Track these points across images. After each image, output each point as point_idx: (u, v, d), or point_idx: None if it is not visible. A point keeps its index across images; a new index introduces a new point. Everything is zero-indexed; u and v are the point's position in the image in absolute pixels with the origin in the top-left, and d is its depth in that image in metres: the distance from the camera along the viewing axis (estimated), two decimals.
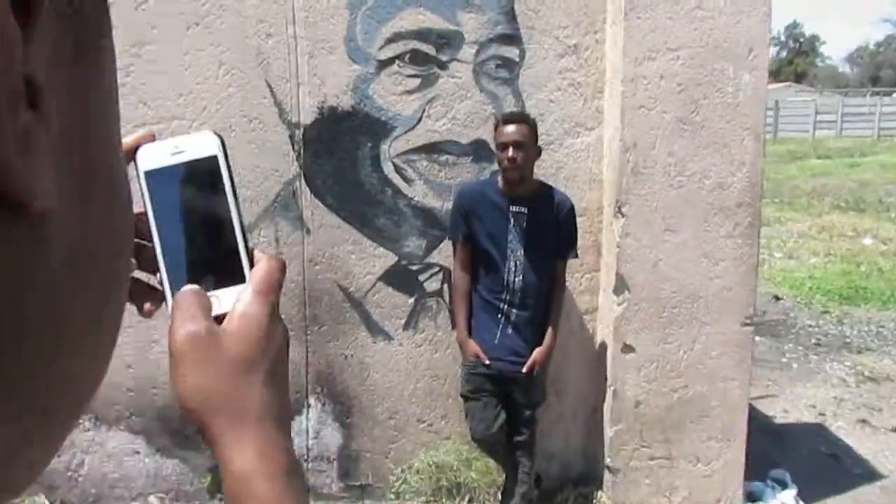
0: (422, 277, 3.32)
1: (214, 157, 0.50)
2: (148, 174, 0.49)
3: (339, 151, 3.20)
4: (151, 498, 3.34)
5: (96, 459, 3.29)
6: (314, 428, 3.34)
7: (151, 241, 0.50)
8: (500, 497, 3.24)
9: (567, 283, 3.25)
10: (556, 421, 3.46)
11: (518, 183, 2.93)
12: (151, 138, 0.50)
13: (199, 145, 0.50)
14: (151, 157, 0.50)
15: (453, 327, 3.25)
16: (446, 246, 3.22)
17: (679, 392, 3.28)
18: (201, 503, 3.35)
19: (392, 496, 3.39)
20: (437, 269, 3.31)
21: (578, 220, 3.15)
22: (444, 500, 3.33)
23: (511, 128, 2.89)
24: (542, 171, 3.20)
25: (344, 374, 3.33)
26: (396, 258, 3.28)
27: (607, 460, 3.34)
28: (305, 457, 3.34)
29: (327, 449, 3.37)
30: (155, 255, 0.50)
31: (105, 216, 0.27)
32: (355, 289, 3.28)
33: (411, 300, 3.31)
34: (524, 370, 2.99)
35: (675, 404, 3.28)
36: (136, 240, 0.43)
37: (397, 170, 3.24)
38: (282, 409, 0.48)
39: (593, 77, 3.29)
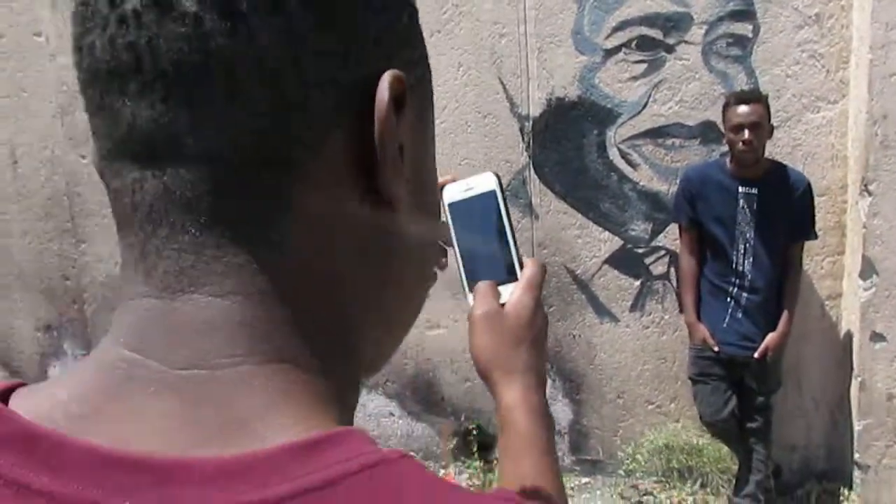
0: (647, 261, 3.36)
1: (494, 192, 0.70)
2: (450, 205, 0.71)
3: (565, 140, 3.35)
4: None
5: (359, 418, 3.80)
6: None
7: (453, 249, 0.72)
8: (733, 484, 3.18)
9: (806, 267, 3.09)
10: (795, 412, 3.31)
11: (740, 166, 2.85)
12: (453, 179, 0.72)
13: (483, 183, 0.69)
14: (452, 193, 0.70)
15: (680, 310, 3.25)
16: (672, 229, 3.23)
17: None
18: (447, 464, 3.71)
19: (622, 473, 3.48)
20: (663, 252, 3.33)
21: (819, 199, 2.98)
22: (675, 481, 3.35)
23: (745, 108, 2.80)
24: (778, 149, 3.08)
25: (573, 353, 3.48)
26: (622, 242, 3.36)
27: (856, 456, 3.12)
28: None
29: (558, 423, 3.55)
30: (455, 259, 0.72)
31: (426, 216, 0.44)
32: (582, 271, 3.42)
33: (637, 283, 3.37)
34: (756, 355, 2.92)
35: None
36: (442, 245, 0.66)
37: (622, 155, 3.31)
38: (540, 369, 0.68)
39: (837, 47, 3.08)
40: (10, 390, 0.37)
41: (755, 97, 2.86)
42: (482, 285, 0.68)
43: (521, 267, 0.69)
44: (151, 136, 0.35)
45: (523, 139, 3.40)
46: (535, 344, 0.67)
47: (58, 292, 4.09)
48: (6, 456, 0.33)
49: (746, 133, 2.78)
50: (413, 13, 0.41)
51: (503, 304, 0.68)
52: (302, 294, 0.37)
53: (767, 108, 2.84)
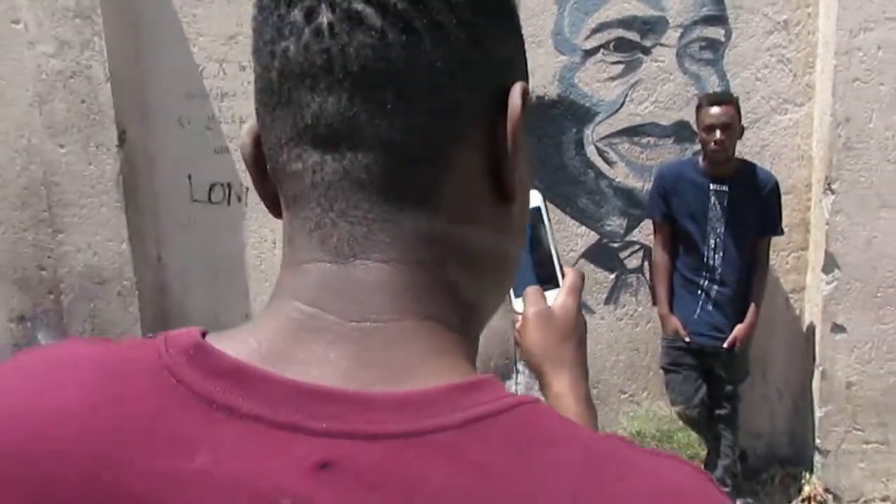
0: (622, 255, 3.48)
1: (538, 207, 0.78)
2: None
3: (544, 137, 3.45)
4: None
5: None
6: (521, 391, 3.64)
7: None
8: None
9: (772, 262, 3.25)
10: (761, 400, 3.47)
11: (711, 164, 2.99)
12: None
13: (531, 200, 0.75)
14: None
15: (653, 303, 3.38)
16: (647, 225, 3.36)
17: None
18: None
19: None
20: (637, 247, 3.46)
21: (785, 197, 3.13)
22: None
23: (717, 109, 2.94)
24: (747, 149, 3.22)
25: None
26: (598, 237, 3.47)
27: (817, 441, 3.29)
28: None
29: None
30: None
31: (527, 206, 0.52)
32: None
33: (612, 276, 3.49)
34: (725, 345, 3.06)
35: (893, 387, 3.15)
36: None
37: (600, 153, 3.42)
38: (583, 364, 0.78)
39: (804, 52, 3.24)
40: (202, 334, 0.43)
41: (727, 99, 3.00)
42: (531, 289, 0.78)
43: (563, 275, 0.79)
44: (335, 125, 0.42)
45: None
46: (580, 342, 0.78)
47: (33, 283, 4.06)
48: (219, 384, 0.40)
49: (718, 133, 2.92)
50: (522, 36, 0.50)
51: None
52: (447, 263, 0.45)
53: (738, 109, 2.98)
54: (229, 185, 3.70)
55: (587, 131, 3.42)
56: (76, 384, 0.41)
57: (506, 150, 0.44)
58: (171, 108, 3.66)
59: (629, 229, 3.45)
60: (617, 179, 3.43)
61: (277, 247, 3.70)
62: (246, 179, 3.65)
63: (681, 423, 3.34)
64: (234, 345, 0.42)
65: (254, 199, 3.67)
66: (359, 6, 0.40)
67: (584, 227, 3.48)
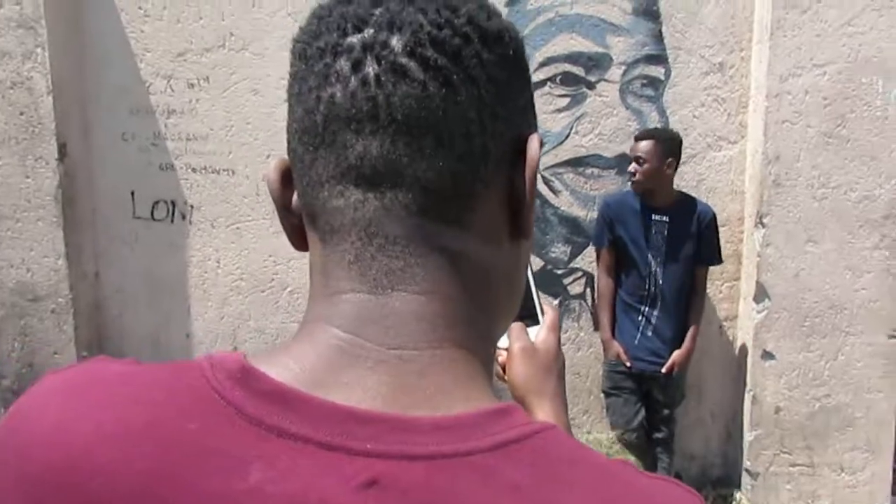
0: (566, 281, 3.58)
1: None
2: None
3: None
4: None
5: None
6: None
7: None
8: None
9: (708, 291, 3.40)
10: (695, 424, 3.60)
11: (645, 194, 3.12)
12: None
13: None
14: None
15: (595, 328, 3.48)
16: (589, 252, 3.47)
17: (822, 401, 3.33)
18: None
19: None
20: (580, 273, 3.56)
21: (720, 229, 3.29)
22: None
23: (637, 144, 3.12)
24: (685, 182, 3.38)
25: (494, 367, 3.63)
26: (543, 263, 3.56)
27: (746, 464, 3.43)
28: None
29: None
30: None
31: (531, 247, 0.57)
32: None
33: (556, 302, 3.58)
34: (663, 370, 3.18)
35: (818, 413, 3.33)
36: None
37: (545, 182, 3.53)
38: (563, 396, 0.83)
39: (738, 93, 3.43)
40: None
41: (648, 135, 3.15)
42: (516, 325, 0.83)
43: (542, 311, 0.84)
44: (378, 166, 0.45)
45: None
46: (560, 375, 0.83)
47: None
48: (266, 406, 0.42)
49: (632, 165, 3.09)
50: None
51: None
52: (473, 295, 0.49)
53: (666, 145, 3.10)
54: (173, 203, 3.64)
55: None
56: (117, 404, 0.43)
57: (523, 193, 0.49)
58: (115, 123, 3.59)
59: (573, 256, 3.56)
60: (562, 208, 3.54)
61: (221, 266, 3.65)
62: (192, 198, 3.61)
63: (620, 446, 3.43)
64: (278, 370, 0.44)
65: (199, 217, 3.62)
66: (403, 60, 0.44)
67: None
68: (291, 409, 0.42)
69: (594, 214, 3.40)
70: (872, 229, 3.21)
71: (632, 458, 3.44)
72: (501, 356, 0.84)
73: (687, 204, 3.20)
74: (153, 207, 3.65)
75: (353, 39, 0.45)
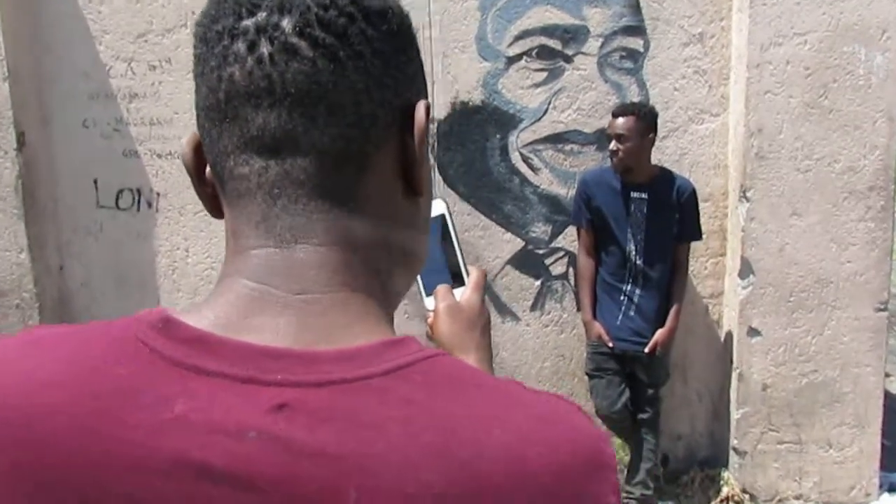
0: (548, 261, 3.49)
1: (442, 215, 0.91)
2: None
3: (469, 143, 3.43)
4: None
5: None
6: None
7: None
8: (625, 473, 3.36)
9: (691, 268, 3.33)
10: (681, 403, 3.54)
11: (625, 172, 3.03)
12: None
13: (435, 209, 0.87)
14: None
15: (578, 309, 3.40)
16: (571, 231, 3.38)
17: (808, 376, 3.27)
18: None
19: None
20: (562, 253, 3.48)
21: (703, 205, 3.21)
22: None
23: (616, 121, 3.02)
24: (666, 157, 3.29)
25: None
26: (523, 243, 3.47)
27: (733, 442, 3.38)
28: None
29: None
30: None
31: (430, 200, 0.62)
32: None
33: (538, 283, 3.50)
34: (646, 350, 3.11)
35: (805, 389, 3.27)
36: None
37: (524, 159, 3.43)
38: (487, 348, 0.88)
39: (718, 64, 3.34)
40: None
41: (627, 111, 3.04)
42: (441, 287, 0.90)
43: (468, 273, 0.91)
44: (277, 136, 0.51)
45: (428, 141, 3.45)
46: (483, 329, 0.89)
47: None
48: (185, 350, 0.48)
49: (613, 143, 2.99)
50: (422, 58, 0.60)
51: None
52: (369, 247, 0.54)
53: (645, 120, 3.01)
54: (139, 191, 3.51)
55: (511, 138, 3.42)
56: (57, 358, 0.49)
57: (415, 154, 0.55)
58: (75, 110, 3.45)
59: (554, 236, 3.47)
60: (541, 186, 3.45)
61: (191, 255, 3.54)
62: (157, 185, 3.48)
63: (605, 428, 3.37)
64: (195, 318, 0.50)
65: (165, 204, 3.50)
66: (294, 40, 0.50)
67: (509, 234, 3.47)
68: (208, 351, 0.47)
69: (574, 192, 3.30)
70: (857, 201, 3.14)
71: (617, 441, 3.38)
72: (430, 317, 0.89)
73: (665, 179, 3.12)
74: (118, 196, 3.51)
75: (248, 22, 0.50)
